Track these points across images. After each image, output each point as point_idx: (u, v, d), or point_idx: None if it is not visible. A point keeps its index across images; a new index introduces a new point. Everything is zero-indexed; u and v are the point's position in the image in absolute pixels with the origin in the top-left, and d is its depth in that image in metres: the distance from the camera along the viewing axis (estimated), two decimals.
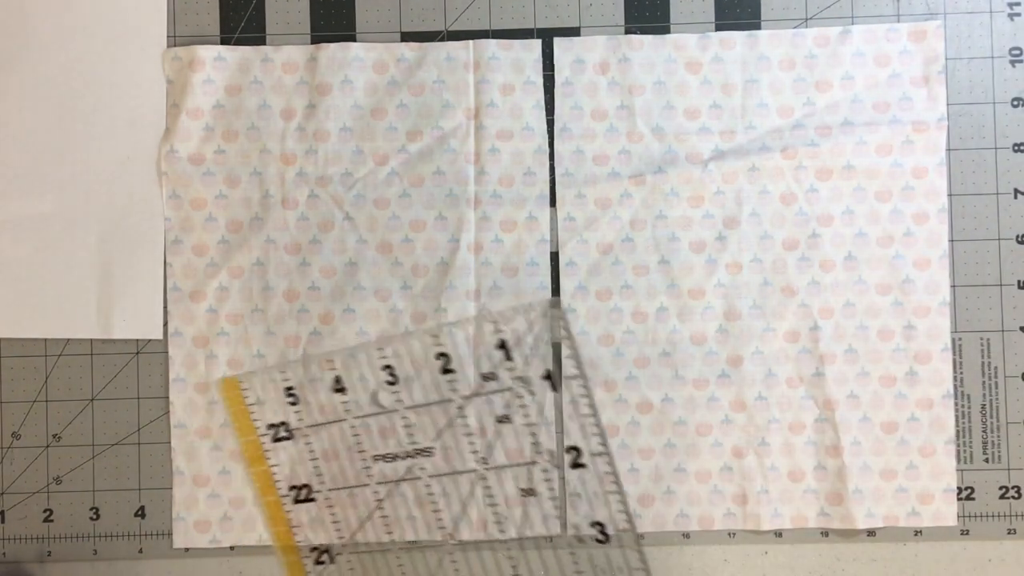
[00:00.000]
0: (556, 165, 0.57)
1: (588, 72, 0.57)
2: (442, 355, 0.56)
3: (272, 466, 0.56)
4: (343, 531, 0.56)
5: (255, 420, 0.56)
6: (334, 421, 0.56)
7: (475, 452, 0.56)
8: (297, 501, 0.56)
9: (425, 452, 0.56)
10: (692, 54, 0.57)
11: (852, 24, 0.57)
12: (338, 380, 0.56)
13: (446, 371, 0.55)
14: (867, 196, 0.56)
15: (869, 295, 0.56)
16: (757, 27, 0.57)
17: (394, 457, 0.56)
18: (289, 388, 0.56)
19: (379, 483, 0.56)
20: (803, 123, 0.57)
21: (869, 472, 0.56)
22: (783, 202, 0.57)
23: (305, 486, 0.56)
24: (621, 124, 0.57)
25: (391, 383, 0.56)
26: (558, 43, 0.57)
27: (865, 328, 0.56)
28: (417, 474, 0.56)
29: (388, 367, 0.55)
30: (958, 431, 0.56)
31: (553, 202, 0.57)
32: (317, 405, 0.56)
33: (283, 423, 0.56)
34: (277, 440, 0.56)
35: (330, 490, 0.56)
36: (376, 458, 0.56)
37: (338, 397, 0.56)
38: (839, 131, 0.57)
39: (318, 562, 0.56)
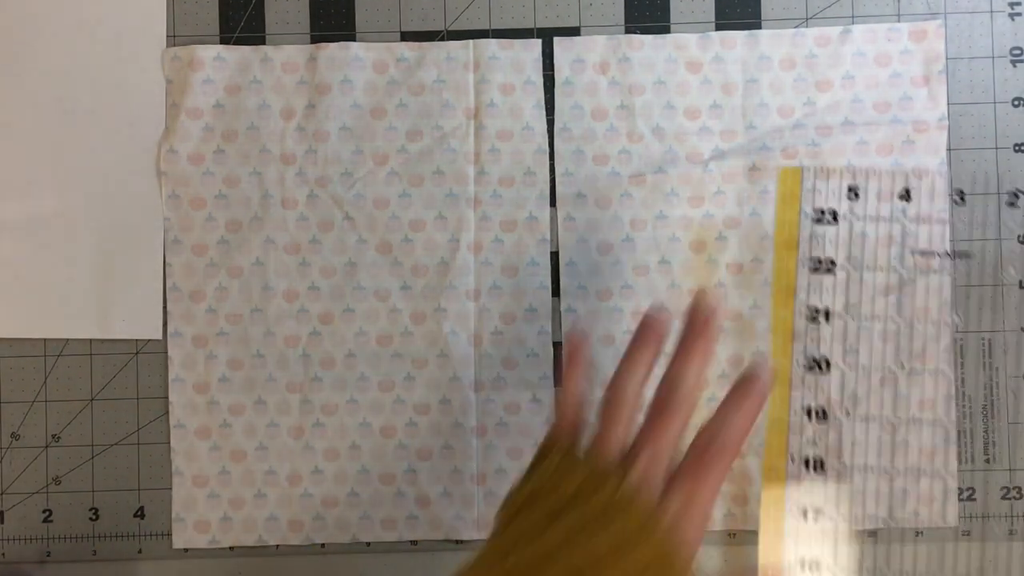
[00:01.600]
0: (556, 165, 0.57)
1: (588, 72, 0.57)
2: None
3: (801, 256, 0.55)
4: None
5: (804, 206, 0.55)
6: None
7: None
8: (816, 270, 0.55)
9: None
10: (692, 54, 0.57)
11: (852, 24, 0.57)
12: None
13: None
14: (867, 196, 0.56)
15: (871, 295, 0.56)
16: (758, 27, 0.57)
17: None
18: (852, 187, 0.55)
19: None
20: (803, 123, 0.57)
21: (870, 473, 0.56)
22: (783, 202, 0.57)
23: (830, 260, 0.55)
24: (621, 124, 0.57)
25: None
26: (558, 43, 0.57)
27: (867, 328, 0.56)
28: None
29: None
30: (960, 432, 0.56)
31: (553, 202, 0.57)
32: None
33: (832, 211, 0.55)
34: (819, 222, 0.55)
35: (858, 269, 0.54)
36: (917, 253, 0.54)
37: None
38: (840, 131, 0.56)
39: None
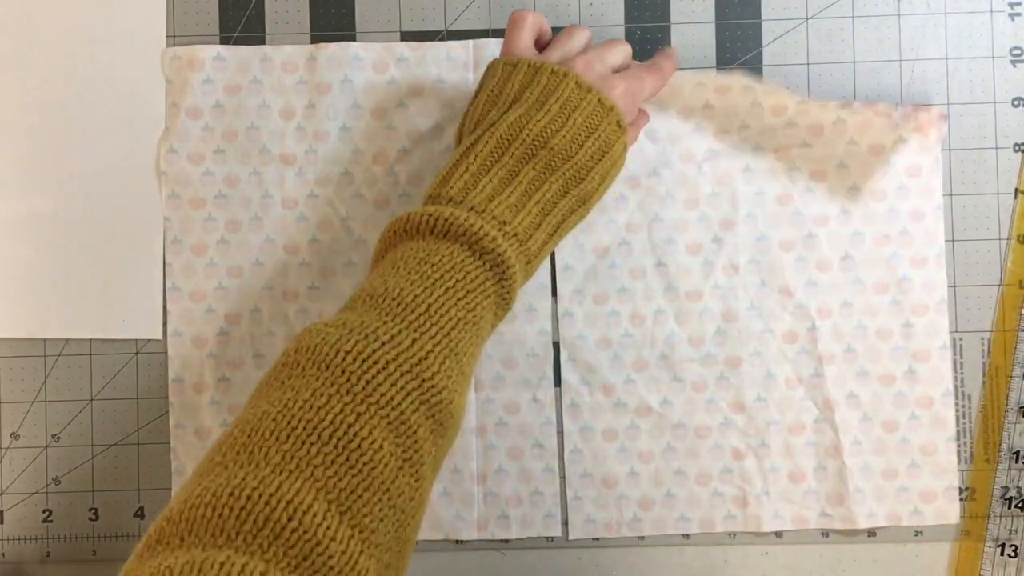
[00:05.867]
0: None
1: None
2: None
3: None
4: None
5: None
6: None
7: None
8: None
9: None
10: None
11: (852, 22, 0.57)
12: None
13: None
14: (862, 195, 0.56)
15: (866, 294, 0.56)
16: (758, 27, 0.57)
17: None
18: None
19: None
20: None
21: (870, 472, 0.56)
22: (779, 203, 0.56)
23: None
24: None
25: None
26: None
27: (863, 327, 0.56)
28: None
29: None
30: (959, 431, 0.56)
31: None
32: None
33: None
34: None
35: None
36: None
37: None
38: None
39: None
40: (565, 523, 0.57)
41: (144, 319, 0.57)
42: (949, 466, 0.56)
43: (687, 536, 0.57)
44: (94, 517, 0.57)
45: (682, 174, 0.57)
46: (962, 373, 0.57)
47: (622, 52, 0.51)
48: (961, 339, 0.57)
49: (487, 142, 0.46)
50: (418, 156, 0.57)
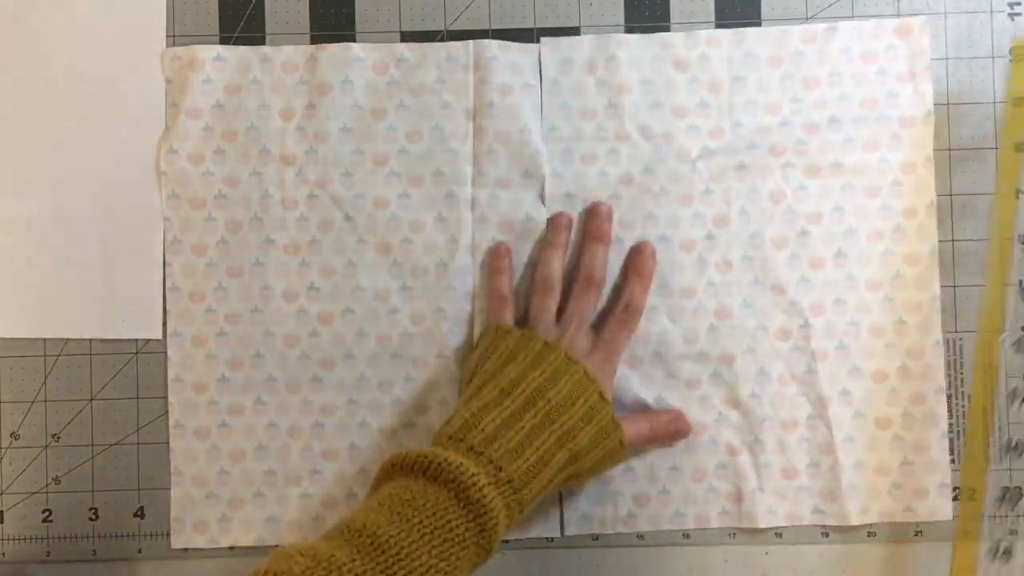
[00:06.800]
0: (545, 165, 0.57)
1: (576, 71, 0.57)
2: None
3: None
4: None
5: None
6: None
7: None
8: None
9: None
10: (679, 52, 0.57)
11: (851, 22, 0.57)
12: None
13: None
14: (856, 192, 0.56)
15: (859, 291, 0.56)
16: (758, 27, 0.57)
17: None
18: None
19: None
20: (790, 120, 0.56)
21: (863, 468, 0.56)
22: (772, 200, 0.56)
23: None
24: (609, 123, 0.57)
25: None
26: (545, 43, 0.57)
27: (856, 324, 0.56)
28: None
29: None
30: (959, 432, 0.56)
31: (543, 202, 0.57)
32: None
33: None
34: None
35: None
36: None
37: None
38: (826, 128, 0.56)
39: None
40: (563, 524, 0.57)
41: (144, 319, 0.57)
42: (942, 463, 0.56)
43: (687, 536, 0.57)
44: (94, 517, 0.57)
45: (676, 171, 0.57)
46: (962, 374, 0.57)
47: (594, 298, 0.54)
48: (960, 339, 0.57)
49: (491, 389, 0.49)
50: (418, 156, 0.57)
